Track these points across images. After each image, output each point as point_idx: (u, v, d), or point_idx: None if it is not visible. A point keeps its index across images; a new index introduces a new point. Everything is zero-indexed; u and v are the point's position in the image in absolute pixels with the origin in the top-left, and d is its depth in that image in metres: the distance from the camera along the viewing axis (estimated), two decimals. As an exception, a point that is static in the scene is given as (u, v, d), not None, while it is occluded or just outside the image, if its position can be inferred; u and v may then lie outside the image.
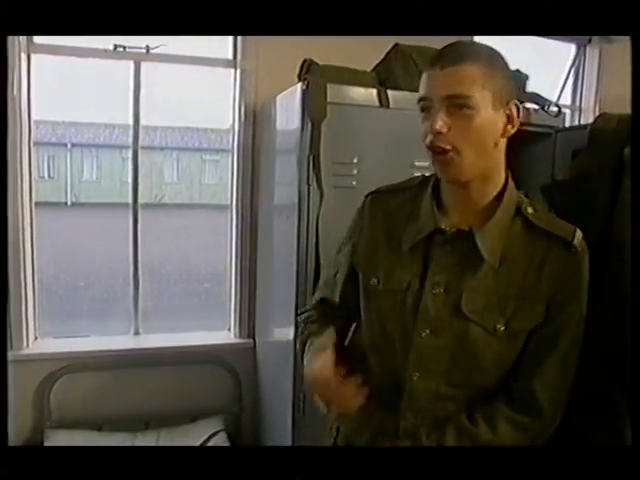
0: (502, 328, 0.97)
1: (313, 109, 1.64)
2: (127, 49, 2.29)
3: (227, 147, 2.53)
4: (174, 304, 3.10)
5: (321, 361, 1.03)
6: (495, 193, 1.00)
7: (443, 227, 0.99)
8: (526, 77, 2.01)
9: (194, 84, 2.57)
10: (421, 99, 0.94)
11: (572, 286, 0.98)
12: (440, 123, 0.90)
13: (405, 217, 1.05)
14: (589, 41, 3.15)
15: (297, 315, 1.31)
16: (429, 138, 0.92)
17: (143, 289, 2.51)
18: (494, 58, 0.95)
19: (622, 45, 3.26)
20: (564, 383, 1.02)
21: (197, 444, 2.22)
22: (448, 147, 0.91)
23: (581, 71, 3.25)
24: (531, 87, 2.07)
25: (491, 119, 0.92)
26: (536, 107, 1.97)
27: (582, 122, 3.15)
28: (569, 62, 3.26)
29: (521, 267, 0.97)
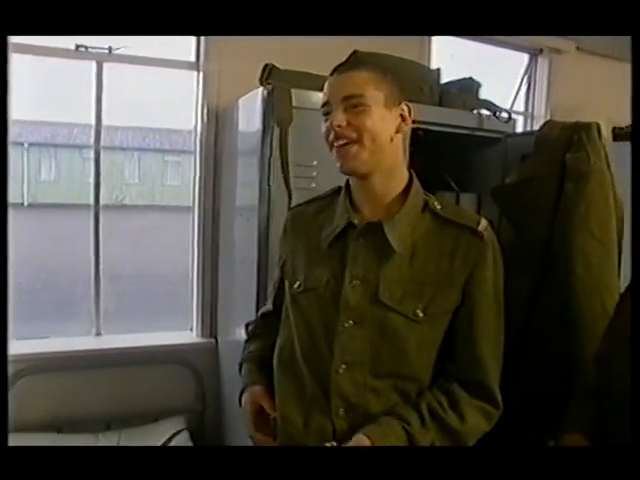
0: (421, 314, 1.04)
1: (280, 115, 1.68)
2: (89, 49, 2.29)
3: (189, 148, 2.55)
4: (136, 305, 3.08)
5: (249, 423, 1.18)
6: (400, 189, 1.08)
7: (355, 222, 1.07)
8: (478, 85, 2.11)
9: (157, 85, 2.58)
10: (324, 104, 1.06)
11: (483, 268, 1.06)
12: (339, 118, 1.01)
13: (322, 221, 1.13)
14: (540, 51, 3.30)
15: (245, 329, 1.40)
16: (331, 135, 1.03)
17: (104, 291, 2.50)
18: (387, 67, 1.08)
19: (570, 56, 3.42)
20: (497, 366, 1.10)
21: (159, 443, 2.23)
22: (348, 139, 1.02)
23: (533, 79, 3.40)
24: (488, 94, 2.16)
25: (384, 115, 1.03)
26: (488, 113, 2.06)
27: (534, 128, 3.29)
28: (522, 71, 3.41)
29: (434, 255, 1.06)
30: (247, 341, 1.35)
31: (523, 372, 1.61)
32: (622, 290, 1.52)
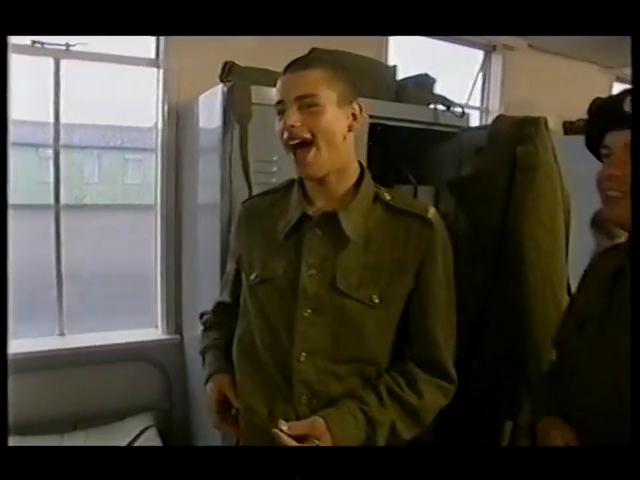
0: (377, 300, 1.08)
1: (240, 111, 1.70)
2: (46, 45, 2.25)
3: (150, 146, 2.54)
4: (100, 304, 3.06)
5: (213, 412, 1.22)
6: (352, 183, 1.13)
7: (310, 213, 1.10)
8: (433, 80, 2.16)
9: (116, 82, 2.55)
10: (277, 102, 1.07)
11: (434, 254, 1.11)
12: (293, 118, 1.03)
13: (277, 213, 1.16)
14: (494, 48, 3.40)
15: (200, 318, 1.41)
16: (285, 134, 1.05)
17: (67, 291, 2.47)
18: (338, 65, 1.10)
19: (522, 52, 3.53)
20: (451, 345, 1.16)
21: (126, 441, 2.22)
22: (302, 139, 1.04)
23: (488, 75, 3.50)
24: (445, 90, 2.21)
25: (337, 115, 1.06)
26: (443, 108, 2.12)
27: (489, 123, 3.39)
28: (477, 67, 3.51)
29: (387, 243, 1.10)
30: (205, 330, 1.36)
31: (480, 357, 1.68)
32: (569, 276, 1.61)
